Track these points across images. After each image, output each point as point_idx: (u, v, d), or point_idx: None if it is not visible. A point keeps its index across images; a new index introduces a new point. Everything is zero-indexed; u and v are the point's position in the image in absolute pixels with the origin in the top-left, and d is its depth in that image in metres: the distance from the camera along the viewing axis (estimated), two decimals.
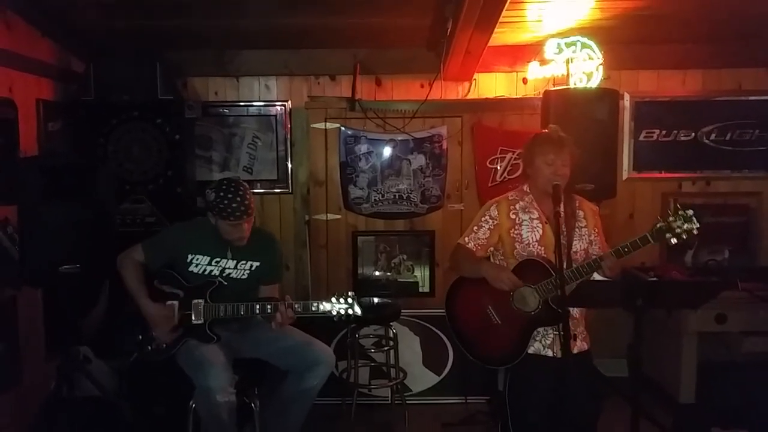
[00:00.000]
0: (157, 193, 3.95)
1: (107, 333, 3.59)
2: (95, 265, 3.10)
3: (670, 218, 2.34)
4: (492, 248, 2.69)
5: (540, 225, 2.61)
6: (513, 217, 2.63)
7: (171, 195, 3.95)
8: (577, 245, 2.58)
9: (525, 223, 2.61)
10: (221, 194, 2.79)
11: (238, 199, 2.78)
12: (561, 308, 2.36)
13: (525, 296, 2.55)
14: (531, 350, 2.58)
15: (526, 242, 2.59)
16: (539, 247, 2.59)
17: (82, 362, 3.50)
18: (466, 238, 2.70)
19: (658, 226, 2.37)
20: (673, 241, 2.35)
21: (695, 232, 2.33)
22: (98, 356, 3.64)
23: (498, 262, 2.70)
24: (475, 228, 2.69)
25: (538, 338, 2.58)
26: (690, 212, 2.33)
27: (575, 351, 2.54)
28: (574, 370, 2.40)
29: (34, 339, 3.52)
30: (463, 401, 3.96)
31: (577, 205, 2.65)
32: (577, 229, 2.59)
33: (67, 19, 3.75)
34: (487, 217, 2.68)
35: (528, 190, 2.67)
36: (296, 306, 2.78)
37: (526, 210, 2.63)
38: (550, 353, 2.55)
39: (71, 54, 4.06)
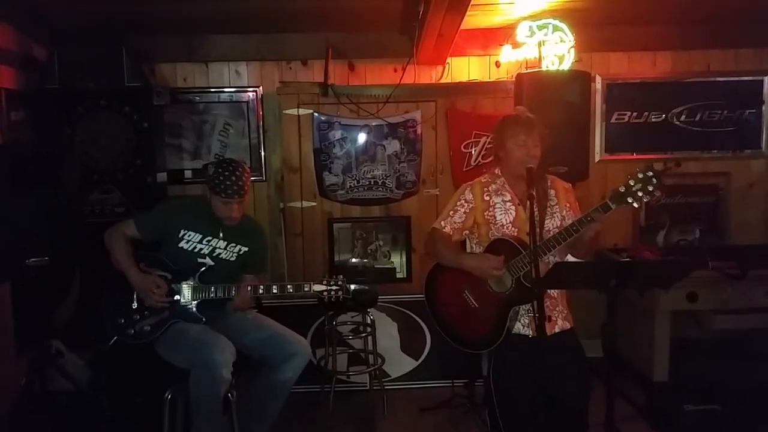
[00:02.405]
0: (126, 182, 3.87)
1: (80, 325, 3.53)
2: (64, 257, 3.04)
3: (630, 180, 2.31)
4: (467, 231, 2.70)
5: (513, 207, 2.62)
6: (487, 198, 2.64)
7: (141, 184, 3.88)
8: (549, 223, 2.59)
9: (498, 205, 2.62)
10: (219, 170, 2.86)
11: (233, 178, 2.84)
12: (534, 286, 2.36)
13: (499, 277, 2.56)
14: (513, 331, 2.59)
15: (500, 224, 2.61)
16: (513, 229, 2.60)
17: (54, 356, 3.43)
18: (442, 222, 2.70)
19: (618, 189, 2.33)
20: (635, 204, 2.30)
21: (656, 192, 2.27)
22: (71, 349, 3.58)
23: (473, 246, 2.71)
24: (451, 212, 2.69)
25: (517, 318, 2.59)
26: (650, 173, 2.27)
27: (556, 330, 2.57)
28: (552, 350, 2.40)
29: (4, 334, 3.43)
30: (448, 384, 3.96)
31: (549, 184, 2.67)
32: (548, 208, 2.61)
33: (29, 3, 3.63)
34: (463, 201, 2.68)
35: (500, 173, 2.68)
36: (260, 288, 2.88)
37: (499, 192, 2.64)
38: (529, 333, 2.57)
39: (33, 40, 3.93)
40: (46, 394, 3.15)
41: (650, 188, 2.27)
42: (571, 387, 2.51)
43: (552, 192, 2.66)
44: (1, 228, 2.85)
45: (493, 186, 2.67)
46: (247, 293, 2.87)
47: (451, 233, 2.67)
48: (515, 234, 2.59)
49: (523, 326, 2.59)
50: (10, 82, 3.66)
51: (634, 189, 2.30)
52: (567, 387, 2.50)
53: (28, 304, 3.23)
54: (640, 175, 2.29)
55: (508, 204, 2.62)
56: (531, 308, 2.49)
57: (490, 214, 2.63)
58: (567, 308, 2.67)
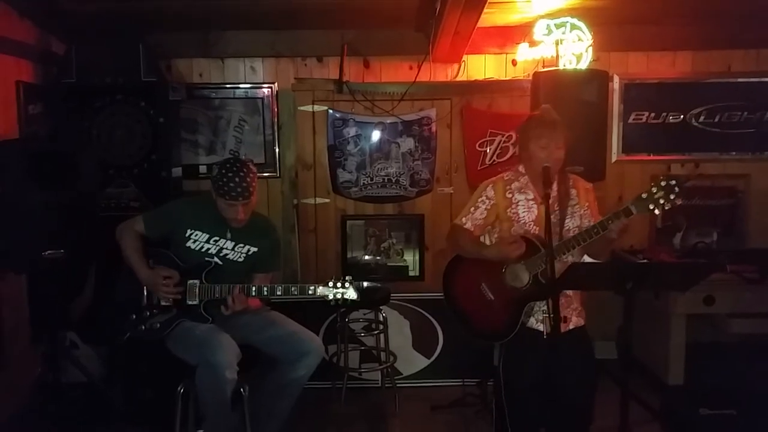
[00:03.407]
0: (141, 177, 3.89)
1: (94, 317, 3.55)
2: (80, 250, 3.06)
3: (653, 188, 2.34)
4: (489, 227, 2.72)
5: (535, 205, 2.62)
6: (509, 196, 2.65)
7: (156, 179, 3.89)
8: (570, 223, 2.60)
9: (521, 203, 2.63)
10: (223, 171, 2.78)
11: (237, 179, 2.75)
12: (549, 285, 2.37)
13: (516, 272, 2.58)
14: (527, 325, 2.60)
15: (523, 221, 2.62)
16: (534, 227, 2.61)
17: (68, 348, 3.47)
18: (463, 219, 2.72)
19: (641, 196, 2.37)
20: (656, 211, 2.34)
21: (678, 201, 2.31)
22: (85, 342, 3.61)
23: (493, 241, 2.72)
24: (472, 208, 2.71)
25: (532, 314, 2.60)
26: (673, 182, 2.32)
27: (570, 326, 2.58)
28: (562, 346, 2.43)
29: (20, 325, 3.47)
30: (460, 383, 3.95)
31: (570, 183, 2.67)
32: (569, 208, 2.61)
33: None
34: (484, 197, 2.69)
35: (523, 171, 2.68)
36: (264, 290, 2.83)
37: (522, 190, 2.64)
38: (542, 328, 2.58)
39: (51, 35, 3.97)
40: (60, 386, 3.18)
41: (672, 196, 2.31)
42: (576, 382, 2.54)
43: (573, 192, 2.66)
44: (17, 220, 2.88)
45: (516, 184, 2.67)
46: (240, 296, 2.79)
47: (472, 229, 2.69)
48: (536, 231, 2.59)
49: (536, 321, 2.60)
50: (29, 76, 3.70)
51: (656, 196, 2.33)
52: (571, 382, 2.52)
53: (43, 296, 3.25)
54: (663, 183, 2.32)
55: (531, 202, 2.63)
56: (546, 306, 2.49)
57: (513, 211, 2.64)
58: (581, 305, 2.67)
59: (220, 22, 4.15)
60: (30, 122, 3.63)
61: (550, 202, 2.46)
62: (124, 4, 3.73)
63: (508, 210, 2.63)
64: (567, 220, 2.59)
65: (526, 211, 2.61)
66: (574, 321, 2.61)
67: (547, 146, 2.52)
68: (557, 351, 2.40)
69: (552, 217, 2.50)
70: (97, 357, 3.62)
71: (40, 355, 3.27)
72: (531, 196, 2.63)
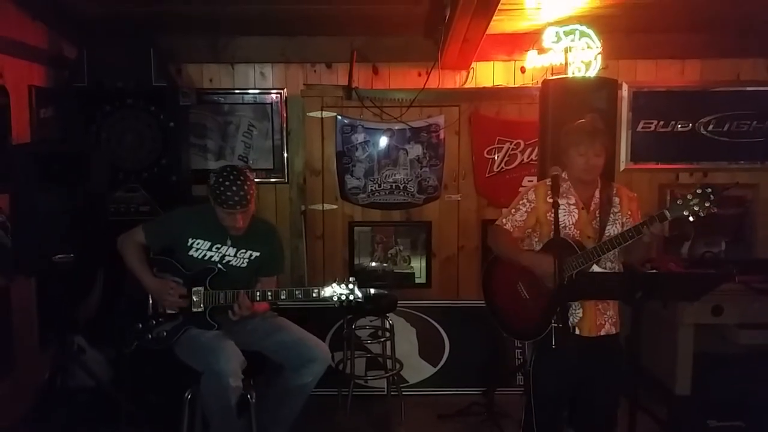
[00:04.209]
0: (151, 181, 3.90)
1: (102, 322, 3.56)
2: (89, 254, 3.06)
3: (689, 195, 2.38)
4: (529, 230, 2.76)
5: (576, 210, 2.66)
6: (550, 201, 2.66)
7: (165, 183, 3.91)
8: (610, 230, 2.62)
9: (562, 207, 2.65)
10: (220, 180, 2.78)
11: (234, 188, 2.75)
12: (556, 294, 2.44)
13: (551, 276, 2.59)
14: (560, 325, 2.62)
15: (563, 225, 2.63)
16: (575, 231, 2.65)
17: (76, 352, 3.47)
18: (504, 220, 2.78)
19: (677, 201, 2.41)
20: (691, 218, 2.38)
21: (713, 209, 2.36)
22: (93, 346, 3.61)
23: (534, 243, 2.76)
24: (513, 210, 2.76)
25: (567, 316, 2.61)
26: (708, 190, 2.36)
27: (602, 333, 2.60)
28: (593, 351, 2.50)
29: (28, 329, 3.48)
30: (467, 392, 3.94)
31: (614, 192, 2.71)
32: (611, 215, 2.65)
33: (59, 3, 3.69)
34: (525, 201, 2.74)
35: (566, 177, 2.71)
36: (268, 294, 2.85)
37: (563, 195, 2.67)
38: (576, 331, 2.60)
39: (63, 39, 3.99)
40: (68, 390, 3.18)
41: (707, 204, 2.35)
42: (603, 389, 2.58)
43: (616, 200, 2.69)
44: (27, 224, 2.89)
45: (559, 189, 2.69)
46: (246, 301, 2.79)
47: (511, 230, 2.74)
48: (576, 235, 2.63)
49: (571, 324, 2.61)
50: (40, 80, 3.72)
51: (691, 203, 2.37)
52: (599, 388, 2.57)
53: (52, 300, 3.26)
54: (699, 191, 2.37)
55: (572, 207, 2.66)
56: (575, 307, 2.56)
57: (552, 215, 2.65)
58: (618, 314, 2.68)
59: (231, 27, 4.18)
60: (41, 126, 3.66)
61: (592, 209, 2.59)
62: (136, 9, 3.76)
63: (548, 214, 2.65)
64: (608, 227, 2.62)
65: (567, 215, 2.64)
66: (606, 328, 2.63)
67: (585, 153, 2.56)
68: (586, 353, 2.46)
69: (593, 223, 2.60)
70: (105, 361, 3.63)
71: (49, 359, 3.27)
72: (572, 201, 2.67)
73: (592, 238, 2.58)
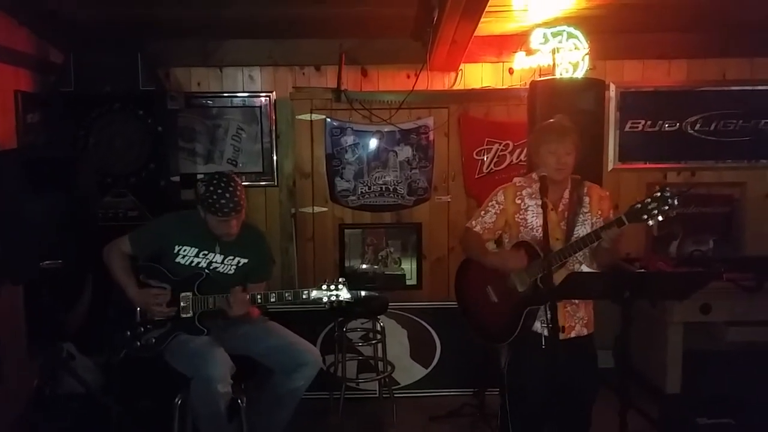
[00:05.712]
0: (139, 186, 3.88)
1: (91, 328, 3.54)
2: (77, 260, 3.04)
3: (647, 199, 2.34)
4: (500, 231, 2.77)
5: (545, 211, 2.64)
6: (518, 202, 2.68)
7: (154, 188, 3.89)
8: (580, 230, 2.60)
9: (531, 208, 2.65)
10: (211, 188, 2.76)
11: (227, 195, 2.75)
12: (546, 294, 2.41)
13: (520, 276, 2.61)
14: (532, 329, 2.63)
15: (531, 227, 2.64)
16: (542, 233, 2.60)
17: (65, 359, 3.44)
18: (473, 222, 2.77)
19: (635, 206, 2.37)
20: (650, 222, 2.34)
21: (672, 213, 2.30)
22: (82, 352, 3.59)
23: (506, 245, 2.77)
24: (483, 212, 2.76)
25: (536, 318, 2.62)
26: (667, 193, 2.31)
27: (572, 335, 2.60)
28: (565, 352, 2.46)
29: (17, 336, 3.45)
30: (458, 393, 3.96)
31: (585, 191, 2.68)
32: (580, 215, 2.63)
33: (45, 8, 3.66)
34: (494, 202, 2.74)
35: (536, 178, 2.69)
36: (258, 297, 2.83)
37: (533, 196, 2.67)
38: (545, 333, 2.59)
39: (50, 44, 3.97)
40: (57, 397, 3.16)
41: (666, 208, 2.30)
42: (576, 390, 2.58)
43: (586, 199, 2.68)
44: (15, 230, 2.86)
45: (528, 190, 2.69)
46: (241, 295, 2.78)
47: (481, 232, 2.74)
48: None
49: (541, 325, 2.62)
50: (27, 85, 3.69)
51: (650, 207, 2.33)
52: (571, 389, 2.55)
53: (40, 307, 3.23)
54: (658, 194, 2.32)
55: (541, 208, 2.63)
56: (545, 312, 2.50)
57: (521, 216, 2.67)
58: (589, 315, 2.69)
59: (219, 31, 4.16)
60: (28, 131, 3.62)
61: (560, 209, 2.58)
62: (123, 13, 3.74)
63: (516, 215, 2.66)
64: (577, 228, 2.60)
65: (536, 216, 2.63)
66: (577, 330, 2.63)
67: (555, 151, 2.55)
68: (556, 357, 2.42)
69: (561, 224, 2.57)
70: (94, 368, 3.60)
71: (37, 367, 3.25)
72: (541, 203, 2.65)
73: (560, 240, 2.56)
